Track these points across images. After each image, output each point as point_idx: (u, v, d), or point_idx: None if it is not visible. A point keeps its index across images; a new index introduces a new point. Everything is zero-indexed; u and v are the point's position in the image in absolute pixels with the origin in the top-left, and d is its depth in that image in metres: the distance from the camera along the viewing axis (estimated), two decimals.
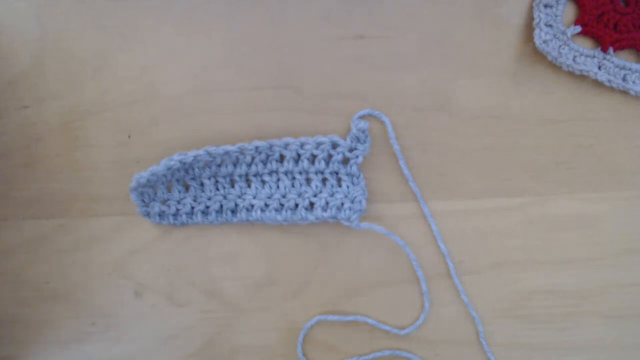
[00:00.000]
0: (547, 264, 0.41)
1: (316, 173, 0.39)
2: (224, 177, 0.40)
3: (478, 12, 0.39)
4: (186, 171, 0.39)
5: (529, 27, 0.39)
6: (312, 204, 0.39)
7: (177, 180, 0.40)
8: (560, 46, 0.38)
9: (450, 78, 0.39)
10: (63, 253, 0.41)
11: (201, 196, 0.40)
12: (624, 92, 0.39)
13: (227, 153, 0.38)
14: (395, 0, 0.39)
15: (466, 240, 0.41)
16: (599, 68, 0.39)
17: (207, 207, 0.40)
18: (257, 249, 0.41)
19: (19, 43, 0.39)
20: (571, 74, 0.39)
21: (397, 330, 0.41)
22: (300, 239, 0.41)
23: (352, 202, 0.39)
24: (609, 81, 0.38)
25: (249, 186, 0.40)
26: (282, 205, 0.39)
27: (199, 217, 0.40)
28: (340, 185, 0.40)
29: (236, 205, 0.40)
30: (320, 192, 0.39)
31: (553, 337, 0.41)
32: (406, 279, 0.41)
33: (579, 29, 0.38)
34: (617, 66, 0.39)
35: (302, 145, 0.39)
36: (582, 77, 0.39)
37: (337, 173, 0.40)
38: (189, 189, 0.40)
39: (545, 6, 0.38)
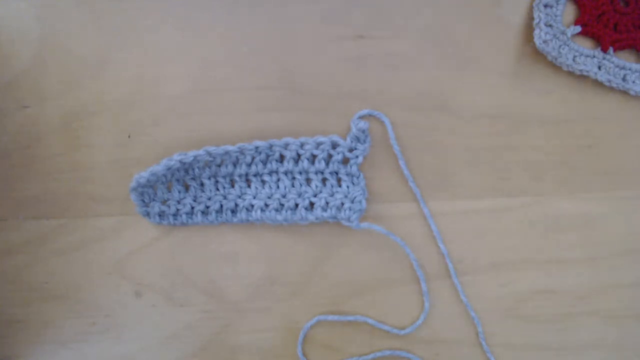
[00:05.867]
0: (547, 264, 0.41)
1: (316, 173, 0.39)
2: (224, 177, 0.40)
3: (478, 12, 0.39)
4: (186, 171, 0.39)
5: (529, 27, 0.39)
6: (312, 204, 0.39)
7: (177, 180, 0.40)
8: (560, 46, 0.38)
9: (450, 78, 0.39)
10: (63, 253, 0.41)
11: (201, 196, 0.40)
12: (624, 92, 0.39)
13: (227, 153, 0.38)
14: (395, 0, 0.39)
15: (466, 240, 0.41)
16: (599, 68, 0.39)
17: (207, 207, 0.40)
18: (257, 249, 0.41)
19: (19, 43, 0.39)
20: (571, 74, 0.39)
21: (397, 330, 0.41)
22: (300, 239, 0.41)
23: (352, 202, 0.39)
24: (609, 81, 0.38)
25: (249, 186, 0.40)
26: (282, 205, 0.39)
27: (199, 217, 0.40)
28: (340, 185, 0.40)
29: (236, 205, 0.40)
30: (320, 192, 0.39)
31: (553, 337, 0.41)
32: (406, 279, 0.41)
33: (579, 29, 0.38)
34: (617, 66, 0.39)
35: (302, 145, 0.39)
36: (582, 77, 0.39)
37: (337, 173, 0.40)
38: (189, 189, 0.40)
39: (545, 6, 0.38)
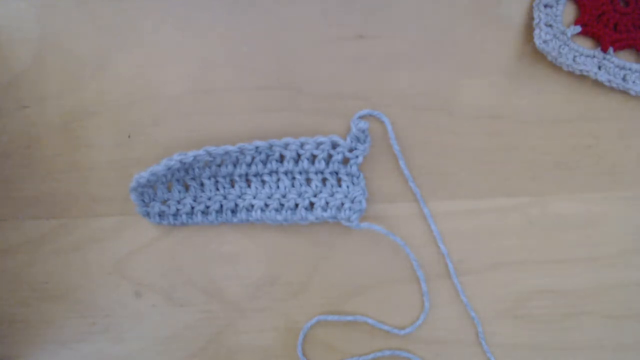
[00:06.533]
0: (547, 264, 0.41)
1: (316, 173, 0.39)
2: (224, 177, 0.40)
3: (478, 12, 0.39)
4: (186, 171, 0.39)
5: (529, 27, 0.39)
6: (312, 204, 0.39)
7: (177, 180, 0.40)
8: (560, 46, 0.38)
9: (450, 78, 0.39)
10: (63, 253, 0.41)
11: (201, 196, 0.40)
12: (624, 92, 0.39)
13: (227, 153, 0.38)
14: (395, 0, 0.39)
15: (466, 240, 0.41)
16: (599, 68, 0.39)
17: (207, 207, 0.40)
18: (257, 249, 0.41)
19: (19, 43, 0.39)
20: (571, 74, 0.39)
21: (397, 330, 0.41)
22: (300, 239, 0.41)
23: (352, 202, 0.39)
24: (609, 81, 0.38)
25: (249, 186, 0.40)
26: (282, 205, 0.39)
27: (199, 217, 0.40)
28: (340, 185, 0.40)
29: (236, 205, 0.40)
30: (320, 192, 0.39)
31: (553, 337, 0.41)
32: (406, 279, 0.41)
33: (579, 29, 0.38)
34: (617, 66, 0.39)
35: (302, 145, 0.39)
36: (582, 77, 0.39)
37: (337, 173, 0.40)
38: (189, 189, 0.40)
39: (545, 6, 0.38)
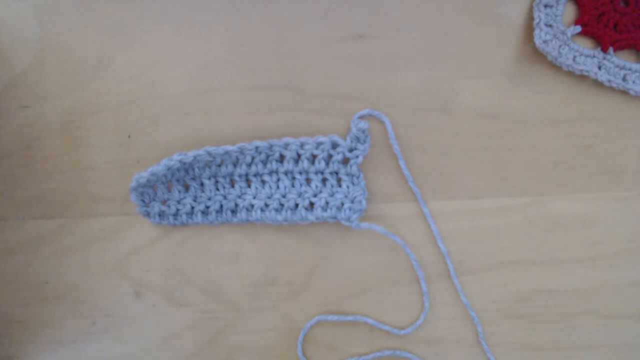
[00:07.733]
0: (547, 264, 0.41)
1: (316, 173, 0.39)
2: (224, 177, 0.40)
3: (478, 12, 0.39)
4: (186, 171, 0.39)
5: (529, 27, 0.39)
6: (312, 204, 0.39)
7: (177, 180, 0.40)
8: (560, 46, 0.38)
9: (450, 78, 0.39)
10: (63, 253, 0.41)
11: (201, 196, 0.40)
12: (624, 92, 0.39)
13: (227, 153, 0.38)
14: (395, 0, 0.39)
15: (466, 240, 0.41)
16: (599, 68, 0.39)
17: (207, 207, 0.40)
18: (257, 249, 0.41)
19: (19, 43, 0.39)
20: (571, 74, 0.39)
21: (397, 330, 0.41)
22: (301, 239, 0.41)
23: (352, 202, 0.39)
24: (609, 81, 0.38)
25: (249, 186, 0.40)
26: (282, 205, 0.39)
27: (199, 217, 0.40)
28: (340, 185, 0.40)
29: (236, 205, 0.40)
30: (320, 192, 0.39)
31: (553, 337, 0.41)
32: (406, 279, 0.41)
33: (579, 29, 0.38)
34: (617, 66, 0.39)
35: (302, 145, 0.39)
36: (582, 77, 0.39)
37: (337, 173, 0.40)
38: (189, 189, 0.40)
39: (545, 6, 0.38)
